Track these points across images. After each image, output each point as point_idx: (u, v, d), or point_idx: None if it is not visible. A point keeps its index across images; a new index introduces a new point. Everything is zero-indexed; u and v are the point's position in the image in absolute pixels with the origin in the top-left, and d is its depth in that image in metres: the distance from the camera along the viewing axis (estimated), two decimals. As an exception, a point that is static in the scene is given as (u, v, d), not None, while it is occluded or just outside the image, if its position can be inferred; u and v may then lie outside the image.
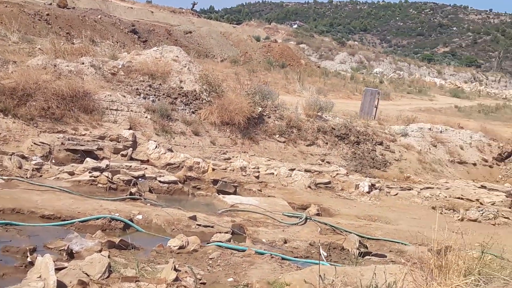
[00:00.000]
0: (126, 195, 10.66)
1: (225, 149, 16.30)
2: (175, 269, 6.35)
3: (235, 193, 12.89)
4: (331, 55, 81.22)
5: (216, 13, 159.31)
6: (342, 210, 12.82)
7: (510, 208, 15.92)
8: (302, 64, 56.82)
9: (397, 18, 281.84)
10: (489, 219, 13.91)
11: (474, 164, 21.73)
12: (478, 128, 25.63)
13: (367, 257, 9.11)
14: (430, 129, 22.51)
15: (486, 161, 22.31)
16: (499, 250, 7.67)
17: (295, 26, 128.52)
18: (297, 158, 17.40)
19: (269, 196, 13.12)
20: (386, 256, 9.36)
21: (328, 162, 17.68)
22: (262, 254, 8.03)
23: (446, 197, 15.67)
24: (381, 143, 19.96)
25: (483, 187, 18.41)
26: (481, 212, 14.18)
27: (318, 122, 19.55)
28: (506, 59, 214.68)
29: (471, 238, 7.82)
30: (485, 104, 46.78)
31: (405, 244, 10.25)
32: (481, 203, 15.51)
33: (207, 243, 8.39)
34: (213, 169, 13.86)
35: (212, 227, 9.43)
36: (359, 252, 9.04)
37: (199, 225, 9.41)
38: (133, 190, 10.93)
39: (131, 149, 14.00)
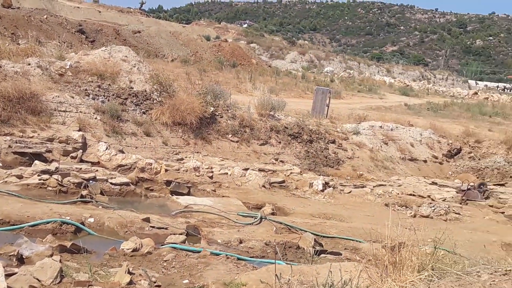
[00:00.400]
0: (77, 198, 10.47)
1: (178, 149, 16.16)
2: (129, 272, 6.24)
3: (189, 194, 12.79)
4: (282, 54, 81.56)
5: (165, 13, 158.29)
6: (297, 209, 12.86)
7: (460, 203, 16.31)
8: (253, 63, 56.93)
9: (346, 18, 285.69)
10: (440, 215, 14.19)
11: (425, 161, 22.14)
12: (428, 125, 26.10)
13: (323, 255, 9.15)
14: (381, 127, 22.83)
15: (436, 158, 22.77)
16: (451, 245, 7.79)
17: (245, 25, 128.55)
18: (251, 158, 17.39)
19: (223, 196, 13.07)
20: (341, 254, 9.43)
21: (282, 161, 17.74)
22: (217, 255, 7.98)
23: (398, 194, 15.92)
24: (333, 142, 20.13)
25: (434, 183, 18.81)
26: (433, 208, 14.45)
27: (271, 121, 19.59)
28: (452, 57, 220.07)
29: (423, 234, 7.94)
30: (433, 101, 47.67)
31: (360, 242, 10.35)
32: (432, 199, 15.82)
33: (162, 245, 8.29)
34: (166, 170, 13.72)
35: (166, 228, 9.33)
36: (315, 251, 9.08)
37: (153, 227, 9.29)
38: (84, 192, 10.74)
39: (81, 151, 13.75)
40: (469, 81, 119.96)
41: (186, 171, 14.17)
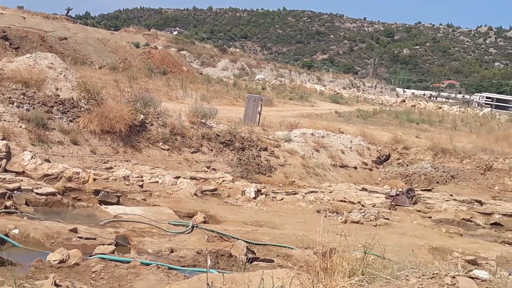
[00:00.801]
0: (1, 209, 10.12)
1: (107, 158, 15.87)
2: (56, 285, 6.08)
3: (118, 203, 12.57)
4: (213, 62, 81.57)
5: (93, 19, 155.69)
6: (229, 217, 12.85)
7: (389, 209, 16.71)
8: (184, 71, 56.59)
9: (277, 26, 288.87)
10: (370, 220, 14.46)
11: (355, 168, 22.57)
12: (358, 132, 26.65)
13: (255, 262, 9.17)
14: (312, 134, 23.14)
15: (366, 164, 23.26)
16: (380, 250, 7.96)
17: (175, 32, 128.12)
18: (182, 166, 17.27)
19: (154, 205, 12.92)
20: (273, 261, 9.47)
21: (214, 169, 17.70)
22: (147, 264, 7.87)
23: (329, 200, 16.15)
24: (265, 149, 20.25)
25: (364, 189, 19.19)
26: (363, 214, 14.72)
27: (203, 129, 19.52)
28: (381, 65, 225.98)
29: (354, 239, 8.07)
30: (363, 109, 48.76)
31: (292, 248, 10.43)
32: (362, 205, 16.14)
33: (90, 256, 8.12)
34: (94, 179, 13.45)
35: (94, 239, 9.14)
36: (247, 258, 9.08)
37: (81, 237, 9.08)
38: (8, 203, 10.41)
39: (4, 160, 13.30)
40: (397, 89, 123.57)
41: (116, 180, 13.93)
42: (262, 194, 15.41)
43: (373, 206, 16.41)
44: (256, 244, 10.52)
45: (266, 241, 10.83)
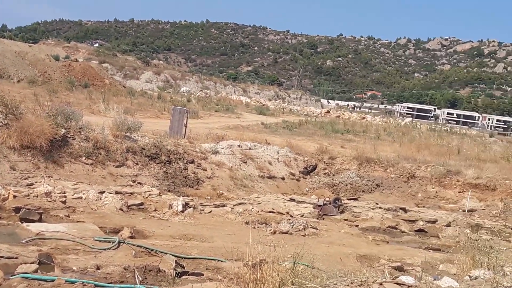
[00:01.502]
0: None
1: (27, 174, 15.38)
2: (-24, 308, 5.83)
3: (40, 220, 12.18)
4: (136, 74, 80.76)
5: (10, 32, 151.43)
6: (156, 231, 12.69)
7: (317, 219, 16.93)
8: (106, 83, 55.71)
9: (201, 38, 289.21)
10: (299, 230, 14.61)
11: (283, 178, 22.80)
12: (284, 143, 26.95)
13: (184, 276, 9.09)
14: (239, 146, 23.23)
15: (294, 175, 23.54)
16: (309, 259, 8.05)
17: (96, 45, 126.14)
18: (107, 180, 16.95)
19: (78, 221, 12.60)
20: (203, 274, 9.41)
21: (140, 183, 17.46)
22: (73, 282, 7.65)
23: (258, 211, 16.21)
24: (192, 162, 20.16)
25: (292, 200, 19.38)
26: (292, 224, 14.85)
27: (127, 142, 19.25)
28: (305, 77, 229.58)
29: (283, 250, 8.15)
30: (289, 120, 49.43)
31: (221, 261, 10.39)
32: (291, 216, 16.27)
33: (12, 276, 7.82)
34: (15, 196, 12.99)
35: (16, 258, 8.81)
36: (176, 273, 8.99)
37: (1, 257, 8.74)
38: None
39: None
40: (322, 100, 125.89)
41: (37, 196, 13.51)
42: (190, 207, 15.30)
43: (302, 216, 16.58)
44: (185, 258, 10.42)
45: (195, 255, 10.76)
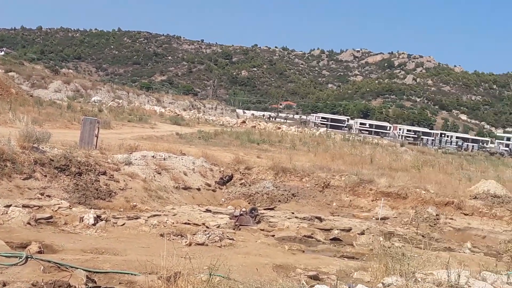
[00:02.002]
0: None
1: None
2: None
3: None
4: (44, 83, 78.41)
5: None
6: (66, 245, 12.31)
7: (234, 229, 16.96)
8: (12, 93, 53.74)
9: (112, 47, 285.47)
10: (215, 241, 14.57)
11: (199, 189, 22.68)
12: (200, 154, 26.87)
13: (96, 291, 8.88)
14: (153, 156, 22.95)
15: (209, 185, 23.47)
16: (226, 271, 8.05)
17: (2, 53, 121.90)
18: (14, 193, 16.32)
19: (-19, 237, 12.05)
20: (115, 289, 9.22)
21: (49, 196, 16.91)
22: (-24, 302, 7.31)
23: (173, 223, 16.06)
24: (104, 173, 19.73)
25: (208, 211, 19.34)
26: (208, 235, 14.79)
27: (35, 154, 18.61)
28: (220, 87, 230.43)
29: (199, 262, 8.11)
30: (204, 130, 49.35)
31: (135, 274, 10.21)
32: (207, 227, 16.21)
33: None
34: None
35: None
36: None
37: None
38: None
39: None
40: (237, 110, 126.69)
41: None
42: (102, 220, 14.96)
43: (218, 227, 16.56)
44: (97, 272, 10.16)
45: (107, 269, 10.51)
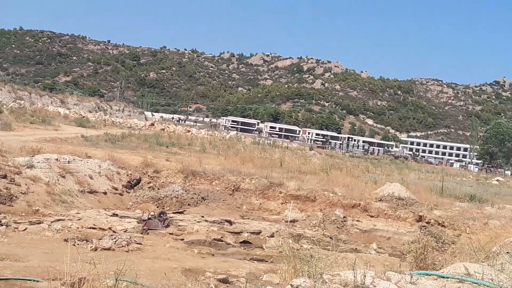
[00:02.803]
0: None
1: None
2: None
3: None
4: None
5: None
6: (-37, 252, 11.80)
7: (142, 233, 16.76)
8: None
9: (13, 46, 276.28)
10: (122, 246, 14.36)
11: (105, 193, 22.25)
12: (106, 157, 26.36)
13: (-4, 299, 8.57)
14: (57, 159, 22.32)
15: (117, 189, 23.08)
16: (133, 276, 7.96)
17: None
18: None
19: None
20: (18, 296, 8.93)
21: None
22: None
23: (78, 228, 15.69)
24: (5, 177, 18.98)
25: (115, 215, 19.02)
26: (114, 240, 14.56)
27: None
28: (128, 89, 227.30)
29: (105, 267, 7.98)
30: (111, 133, 48.45)
31: (37, 281, 9.95)
32: (114, 231, 15.95)
33: None
34: None
35: None
36: (-14, 295, 8.46)
37: None
38: None
39: None
40: (146, 112, 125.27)
41: None
42: (2, 225, 14.44)
43: (125, 231, 16.32)
44: (-3, 279, 9.81)
45: (7, 275, 10.15)
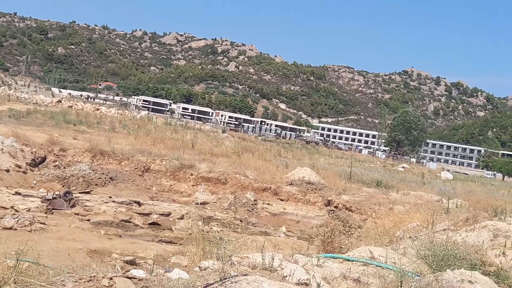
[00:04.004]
0: None
1: None
2: None
3: None
4: None
5: None
6: None
7: (46, 213, 16.32)
8: None
9: None
10: (25, 225, 13.96)
11: (8, 171, 21.48)
12: (10, 133, 25.47)
13: None
14: (-44, 134, 21.36)
15: (20, 167, 22.32)
16: (35, 256, 7.75)
17: None
18: None
19: None
20: None
21: None
22: None
23: (-23, 206, 15.11)
24: None
25: (18, 193, 18.44)
26: (17, 219, 14.14)
27: None
28: (34, 64, 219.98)
29: (6, 247, 7.74)
30: (15, 108, 46.83)
31: None
32: (16, 210, 15.49)
33: None
34: None
35: None
36: None
37: None
38: None
39: None
40: (53, 88, 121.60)
41: None
42: None
43: (28, 210, 15.87)
44: None
45: None
